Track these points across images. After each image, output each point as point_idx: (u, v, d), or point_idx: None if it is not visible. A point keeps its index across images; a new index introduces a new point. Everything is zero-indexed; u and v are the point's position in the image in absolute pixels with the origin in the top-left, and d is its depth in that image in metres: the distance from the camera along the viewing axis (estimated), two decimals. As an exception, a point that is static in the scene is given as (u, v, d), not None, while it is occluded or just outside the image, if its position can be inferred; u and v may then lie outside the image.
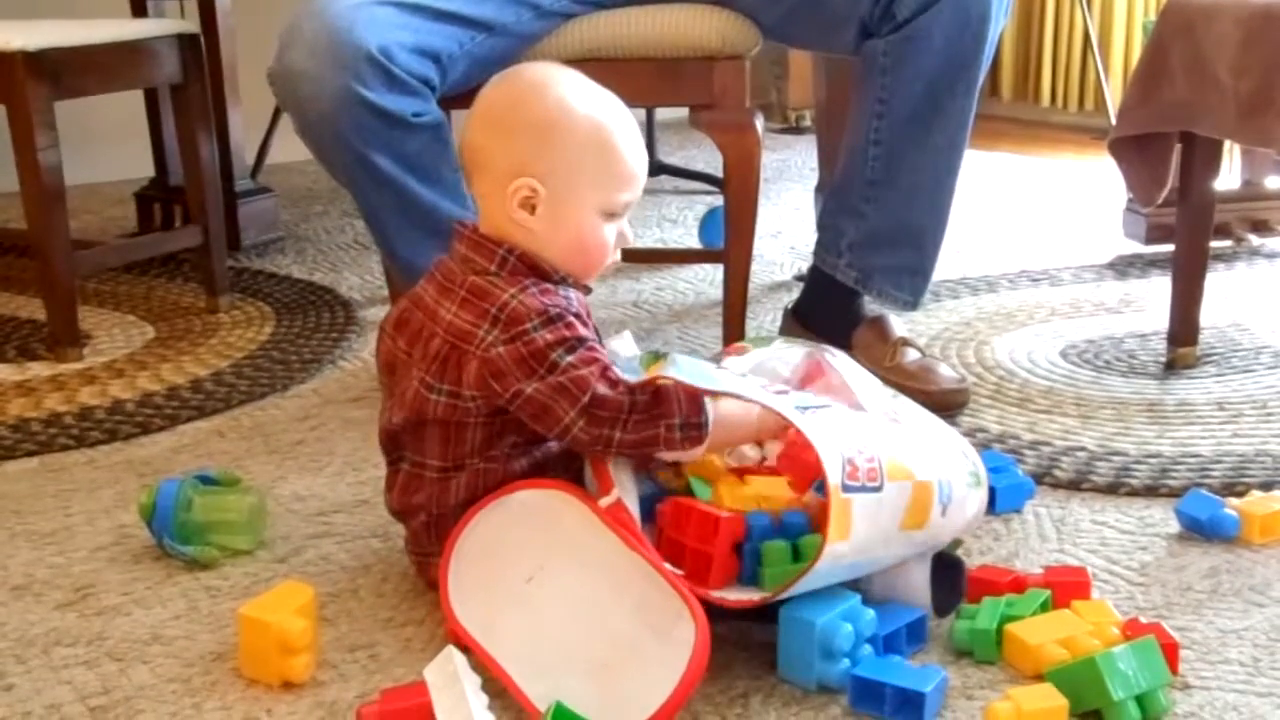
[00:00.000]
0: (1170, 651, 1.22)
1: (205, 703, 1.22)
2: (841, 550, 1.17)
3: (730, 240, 1.99)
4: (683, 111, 2.72)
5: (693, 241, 2.93)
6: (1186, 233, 2.04)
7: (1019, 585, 1.34)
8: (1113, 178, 2.55)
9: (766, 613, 1.22)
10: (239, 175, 2.91)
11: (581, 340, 1.28)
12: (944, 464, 1.30)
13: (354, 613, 1.38)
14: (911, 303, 2.02)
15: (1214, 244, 2.10)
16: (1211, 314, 2.17)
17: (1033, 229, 3.04)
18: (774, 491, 1.29)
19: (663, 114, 3.77)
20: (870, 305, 2.04)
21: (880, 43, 1.88)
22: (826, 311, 2.04)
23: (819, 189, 2.56)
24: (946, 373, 1.96)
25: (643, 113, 3.18)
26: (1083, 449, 1.77)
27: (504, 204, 1.33)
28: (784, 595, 1.19)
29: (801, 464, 1.28)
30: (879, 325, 2.01)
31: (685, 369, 1.27)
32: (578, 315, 1.31)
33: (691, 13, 1.92)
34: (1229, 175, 2.66)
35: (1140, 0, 4.18)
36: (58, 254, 2.18)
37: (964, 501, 1.32)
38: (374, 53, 1.73)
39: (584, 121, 1.33)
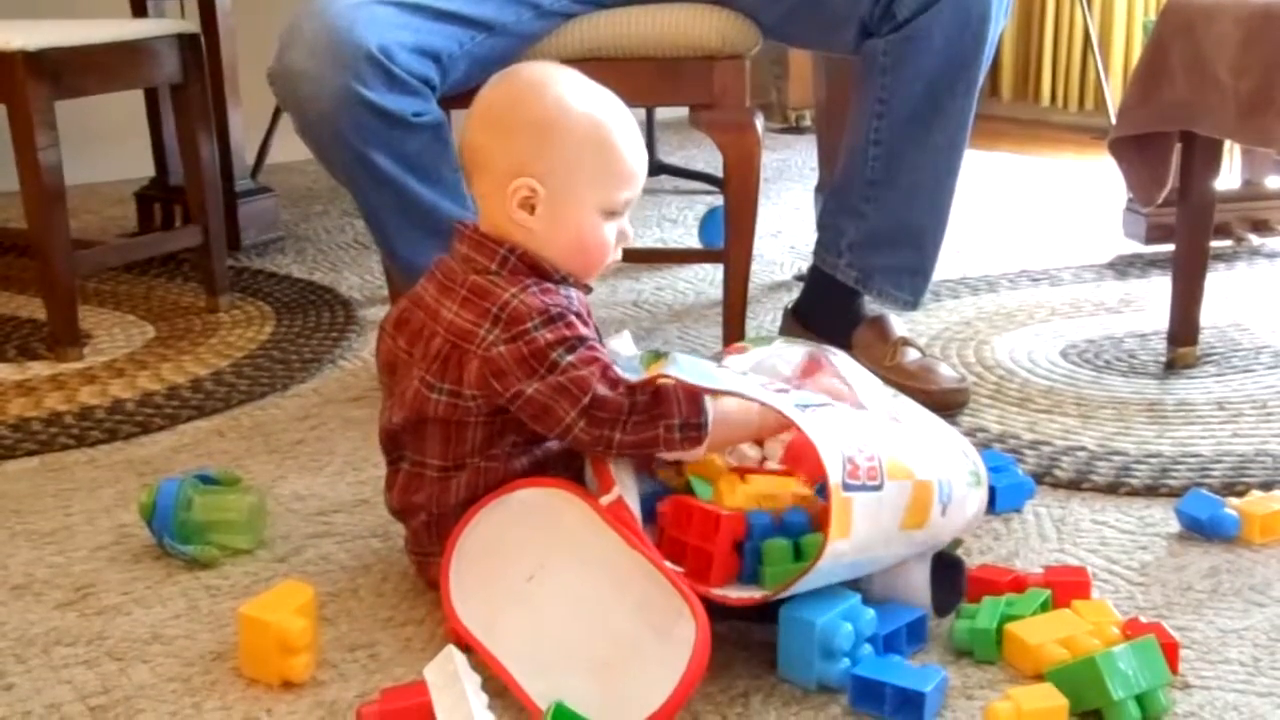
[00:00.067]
0: (1170, 651, 1.22)
1: (205, 702, 1.22)
2: (842, 549, 1.17)
3: (730, 240, 1.99)
4: (683, 111, 2.72)
5: (693, 241, 2.93)
6: (1186, 233, 2.04)
7: (1019, 585, 1.34)
8: (1113, 178, 2.55)
9: (766, 612, 1.22)
10: (239, 175, 2.91)
11: (582, 340, 1.28)
12: (944, 463, 1.30)
13: (354, 612, 1.38)
14: (912, 302, 2.02)
15: (1214, 244, 2.10)
16: (1211, 314, 2.17)
17: (1033, 229, 3.04)
18: (784, 489, 1.29)
19: (663, 114, 3.77)
20: (870, 305, 2.04)
21: (880, 42, 1.88)
22: (827, 311, 2.04)
23: (819, 189, 2.56)
24: (947, 372, 1.96)
25: (643, 112, 3.18)
26: (1083, 449, 1.77)
27: (504, 204, 1.33)
28: (785, 594, 1.19)
29: (811, 461, 1.28)
30: (879, 325, 2.01)
31: (685, 368, 1.27)
32: (578, 314, 1.31)
33: (691, 12, 1.92)
34: (1229, 175, 2.66)
35: (1140, 0, 4.18)
36: (58, 254, 2.18)
37: (964, 501, 1.32)
38: (374, 52, 1.73)
39: (582, 120, 1.33)
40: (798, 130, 4.42)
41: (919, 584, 1.30)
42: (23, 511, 1.63)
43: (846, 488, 1.17)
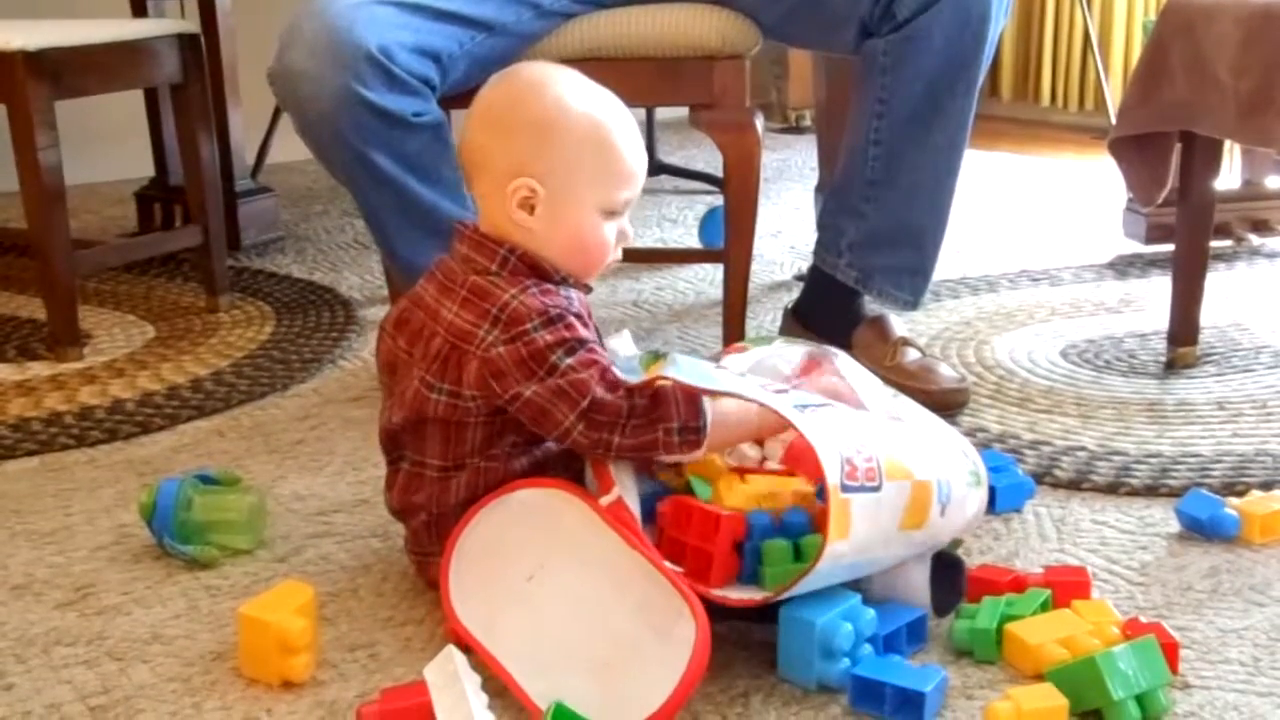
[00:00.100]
0: (1170, 651, 1.22)
1: (205, 702, 1.22)
2: (841, 550, 1.17)
3: (730, 240, 1.99)
4: (683, 111, 2.72)
5: (693, 241, 2.93)
6: (1186, 232, 2.04)
7: (1019, 585, 1.34)
8: (1113, 178, 2.55)
9: (766, 612, 1.22)
10: (239, 175, 2.91)
11: (582, 341, 1.28)
12: (943, 463, 1.30)
13: (354, 612, 1.38)
14: (912, 302, 2.02)
15: (1214, 244, 2.10)
16: (1211, 314, 2.17)
17: (1033, 229, 3.04)
18: (784, 489, 1.29)
19: (663, 114, 3.77)
20: (870, 305, 2.04)
21: (880, 42, 1.88)
22: (827, 311, 2.04)
23: (819, 189, 2.56)
24: (947, 372, 1.96)
25: (643, 112, 3.18)
26: (1083, 449, 1.77)
27: (503, 204, 1.33)
28: (784, 595, 1.19)
29: (811, 462, 1.28)
30: (879, 325, 2.01)
31: (685, 369, 1.27)
32: (578, 316, 1.31)
33: (691, 12, 1.92)
34: (1229, 175, 2.66)
35: (1140, 0, 4.18)
36: (58, 254, 2.18)
37: (964, 501, 1.32)
38: (374, 52, 1.73)
39: (581, 120, 1.33)
40: (798, 130, 4.42)
41: (919, 584, 1.30)
42: (23, 511, 1.63)
43: (845, 489, 1.17)
